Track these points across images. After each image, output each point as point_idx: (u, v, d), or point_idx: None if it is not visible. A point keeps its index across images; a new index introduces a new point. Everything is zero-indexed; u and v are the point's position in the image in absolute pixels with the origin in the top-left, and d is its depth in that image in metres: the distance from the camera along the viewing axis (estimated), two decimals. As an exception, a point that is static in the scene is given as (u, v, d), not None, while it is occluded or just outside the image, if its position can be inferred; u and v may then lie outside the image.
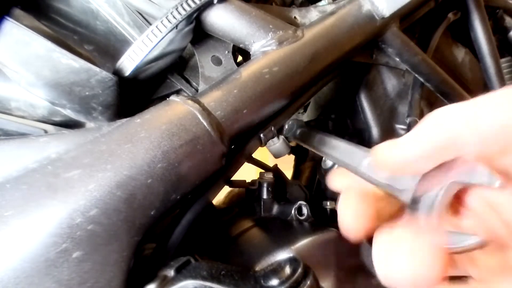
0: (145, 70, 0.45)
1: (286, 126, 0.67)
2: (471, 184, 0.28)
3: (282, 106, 0.49)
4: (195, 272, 0.35)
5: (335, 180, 0.39)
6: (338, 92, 0.67)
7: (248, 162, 0.64)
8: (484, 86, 0.75)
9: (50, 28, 0.41)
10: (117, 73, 0.42)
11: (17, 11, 0.39)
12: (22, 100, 0.42)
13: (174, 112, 0.39)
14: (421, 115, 0.65)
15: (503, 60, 0.85)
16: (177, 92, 0.50)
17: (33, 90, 0.39)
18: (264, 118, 0.47)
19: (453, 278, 0.30)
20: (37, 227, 0.30)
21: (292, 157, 0.91)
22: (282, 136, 0.53)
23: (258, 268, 0.40)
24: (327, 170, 0.65)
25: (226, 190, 0.74)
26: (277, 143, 0.52)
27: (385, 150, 0.31)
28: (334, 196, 0.69)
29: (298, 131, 0.60)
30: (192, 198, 0.44)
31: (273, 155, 0.55)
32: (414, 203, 0.30)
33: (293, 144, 0.63)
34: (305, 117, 0.71)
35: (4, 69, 0.38)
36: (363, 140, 0.67)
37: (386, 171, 0.33)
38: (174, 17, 0.41)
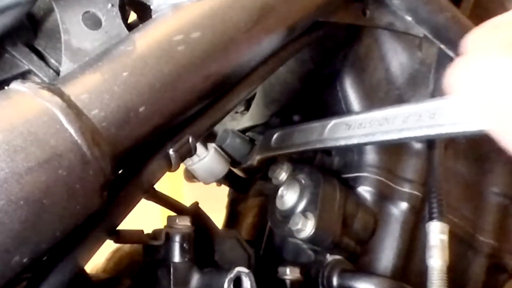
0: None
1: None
2: None
3: (207, 101, 0.46)
4: None
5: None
6: (305, 77, 0.62)
7: (148, 198, 0.60)
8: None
9: None
10: None
11: None
12: None
13: (18, 111, 0.36)
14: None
15: None
16: (23, 75, 0.48)
17: None
18: (176, 120, 0.44)
19: None
20: None
21: (224, 189, 0.84)
22: (213, 145, 0.49)
23: None
24: (287, 213, 0.58)
25: (109, 247, 0.68)
26: (205, 156, 0.48)
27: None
28: (296, 259, 0.63)
29: (273, 138, 0.58)
30: (49, 261, 0.40)
31: (201, 179, 0.52)
32: None
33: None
34: (246, 119, 0.67)
35: None
36: (349, 161, 0.61)
37: None
38: None
